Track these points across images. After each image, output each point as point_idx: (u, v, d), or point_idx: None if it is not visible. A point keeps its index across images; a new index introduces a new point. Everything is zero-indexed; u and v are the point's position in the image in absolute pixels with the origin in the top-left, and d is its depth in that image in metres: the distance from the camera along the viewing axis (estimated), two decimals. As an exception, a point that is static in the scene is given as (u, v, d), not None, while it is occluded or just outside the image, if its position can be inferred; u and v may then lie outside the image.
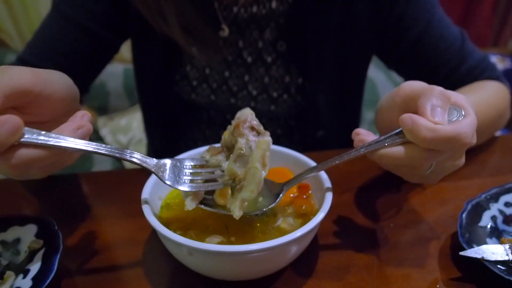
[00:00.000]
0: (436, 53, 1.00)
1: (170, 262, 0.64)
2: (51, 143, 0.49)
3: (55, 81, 0.55)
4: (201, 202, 0.60)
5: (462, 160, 0.59)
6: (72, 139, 0.51)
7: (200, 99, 1.07)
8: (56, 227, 0.65)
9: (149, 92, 1.15)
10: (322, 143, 1.12)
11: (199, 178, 0.60)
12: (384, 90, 2.30)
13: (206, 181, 0.60)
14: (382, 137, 0.56)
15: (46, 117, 0.56)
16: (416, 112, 0.54)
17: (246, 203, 0.57)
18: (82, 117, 0.56)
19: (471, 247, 0.62)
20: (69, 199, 0.83)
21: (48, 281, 0.56)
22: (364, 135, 0.59)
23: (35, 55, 0.94)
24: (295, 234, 0.54)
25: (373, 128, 2.18)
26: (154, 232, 0.71)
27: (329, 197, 0.62)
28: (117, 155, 0.54)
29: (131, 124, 2.07)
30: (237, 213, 0.56)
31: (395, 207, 0.79)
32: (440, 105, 0.53)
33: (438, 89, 0.55)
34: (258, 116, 1.08)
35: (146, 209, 0.58)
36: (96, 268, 0.65)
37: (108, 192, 0.85)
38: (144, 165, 0.57)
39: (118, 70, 2.13)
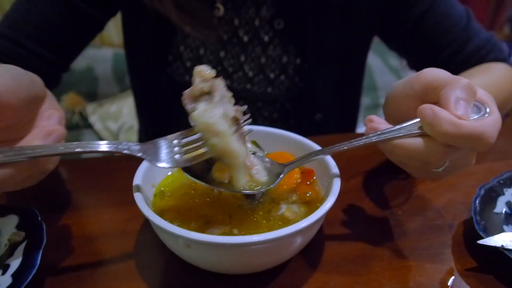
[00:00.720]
0: (441, 31, 0.95)
1: (165, 254, 0.60)
2: (21, 158, 0.46)
3: None
4: (199, 178, 0.55)
5: (474, 160, 0.55)
6: (43, 147, 0.48)
7: None
8: (39, 218, 0.59)
9: (141, 75, 1.09)
10: (320, 126, 1.07)
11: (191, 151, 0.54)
12: (380, 75, 2.26)
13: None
14: (397, 127, 0.51)
15: (10, 119, 0.50)
16: (435, 103, 0.49)
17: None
18: (49, 119, 0.51)
19: (488, 235, 0.58)
20: (54, 188, 0.77)
21: (30, 277, 0.50)
22: (377, 122, 0.54)
23: (12, 29, 0.87)
24: (301, 224, 0.49)
25: (368, 114, 2.14)
26: (146, 222, 0.66)
27: (337, 183, 0.57)
28: (104, 148, 0.51)
29: (121, 111, 2.01)
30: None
31: (402, 194, 0.75)
32: (465, 98, 0.48)
33: (465, 80, 0.49)
34: (255, 98, 1.04)
35: (138, 197, 0.53)
36: (83, 263, 0.59)
37: (96, 180, 0.79)
38: (126, 152, 0.52)
39: (107, 55, 2.06)
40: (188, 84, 0.53)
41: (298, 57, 0.99)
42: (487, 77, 0.90)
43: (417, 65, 1.03)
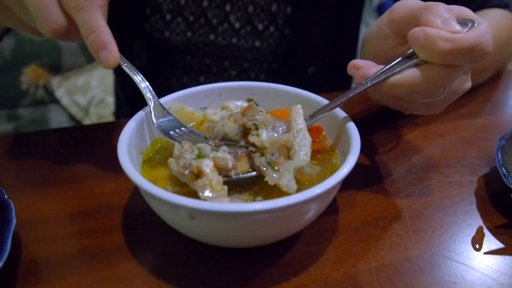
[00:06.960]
0: None
1: (160, 230, 0.52)
2: None
3: None
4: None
5: (470, 82, 0.53)
6: None
7: (175, 37, 0.92)
8: (5, 196, 0.50)
9: (117, 32, 0.98)
10: (312, 83, 1.00)
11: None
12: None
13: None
14: (388, 66, 0.48)
15: None
16: None
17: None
18: None
19: (517, 188, 0.52)
20: (20, 162, 0.67)
21: (0, 265, 0.42)
22: (365, 67, 0.50)
23: None
24: (326, 184, 0.41)
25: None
26: (134, 195, 0.58)
27: (354, 132, 0.50)
28: None
29: (90, 83, 1.87)
30: (294, 186, 0.45)
31: (408, 149, 0.69)
32: (449, 16, 0.46)
33: (440, 3, 0.48)
34: (241, 56, 0.95)
35: (125, 163, 0.44)
36: (64, 245, 0.50)
37: (68, 152, 0.69)
38: None
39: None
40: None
41: (289, 5, 0.90)
42: None
43: None
